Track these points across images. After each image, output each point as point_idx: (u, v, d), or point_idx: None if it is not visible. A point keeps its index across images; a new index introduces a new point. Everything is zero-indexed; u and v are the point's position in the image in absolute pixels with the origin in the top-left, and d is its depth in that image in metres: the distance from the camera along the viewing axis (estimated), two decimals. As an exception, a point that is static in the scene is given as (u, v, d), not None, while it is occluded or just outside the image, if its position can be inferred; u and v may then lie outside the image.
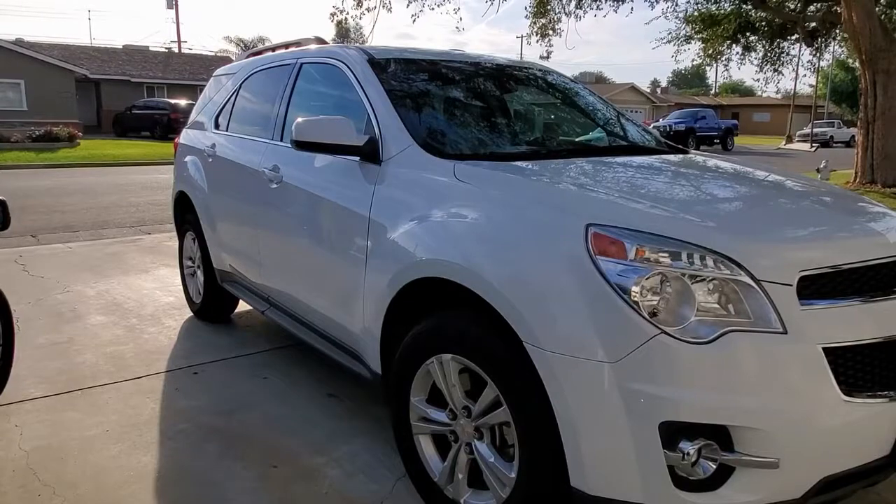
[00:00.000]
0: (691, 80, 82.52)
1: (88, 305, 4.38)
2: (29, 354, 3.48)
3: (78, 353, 3.52)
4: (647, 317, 1.52)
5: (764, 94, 31.06)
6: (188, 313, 4.26)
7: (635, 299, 1.53)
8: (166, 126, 24.46)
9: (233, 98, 3.84)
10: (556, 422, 1.61)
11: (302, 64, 3.18)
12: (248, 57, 4.09)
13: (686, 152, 2.96)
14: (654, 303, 1.54)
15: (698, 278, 1.55)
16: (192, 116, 4.47)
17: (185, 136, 4.37)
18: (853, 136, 39.70)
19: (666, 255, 1.58)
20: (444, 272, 1.91)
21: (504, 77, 3.19)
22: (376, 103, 2.51)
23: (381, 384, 2.30)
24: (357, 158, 2.47)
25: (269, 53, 3.73)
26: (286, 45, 3.65)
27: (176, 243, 4.62)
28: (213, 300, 3.99)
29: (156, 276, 5.22)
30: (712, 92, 69.16)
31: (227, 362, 3.44)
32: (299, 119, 2.43)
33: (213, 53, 39.79)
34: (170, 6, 41.12)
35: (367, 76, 2.63)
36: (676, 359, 1.50)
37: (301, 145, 2.42)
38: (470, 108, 2.82)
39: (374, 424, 2.74)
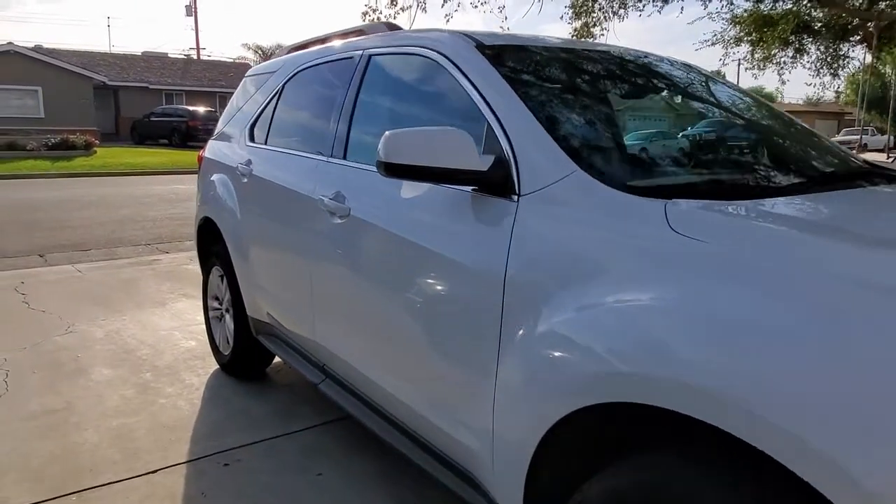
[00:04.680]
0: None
1: (94, 353, 3.62)
2: (16, 429, 2.72)
3: (76, 427, 2.75)
4: None
5: (820, 100, 29.74)
6: (213, 364, 3.49)
7: None
8: (184, 133, 24.25)
9: (273, 103, 3.06)
10: None
11: (371, 56, 2.39)
12: (289, 52, 3.32)
13: None
14: None
15: None
16: (220, 126, 3.70)
17: (212, 150, 3.60)
18: (886, 144, 38.59)
19: None
20: (672, 400, 1.10)
21: (682, 79, 2.32)
22: (502, 109, 1.70)
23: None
24: (470, 189, 1.67)
25: (320, 46, 2.95)
26: (345, 34, 2.86)
27: (197, 266, 3.86)
28: (244, 354, 3.21)
29: (174, 312, 4.45)
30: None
31: (267, 445, 2.64)
32: (389, 132, 1.63)
33: (231, 60, 39.36)
34: (189, 13, 40.90)
35: (482, 70, 1.83)
36: None
37: (393, 169, 1.63)
38: (652, 119, 1.99)
39: (485, 567, 1.93)
